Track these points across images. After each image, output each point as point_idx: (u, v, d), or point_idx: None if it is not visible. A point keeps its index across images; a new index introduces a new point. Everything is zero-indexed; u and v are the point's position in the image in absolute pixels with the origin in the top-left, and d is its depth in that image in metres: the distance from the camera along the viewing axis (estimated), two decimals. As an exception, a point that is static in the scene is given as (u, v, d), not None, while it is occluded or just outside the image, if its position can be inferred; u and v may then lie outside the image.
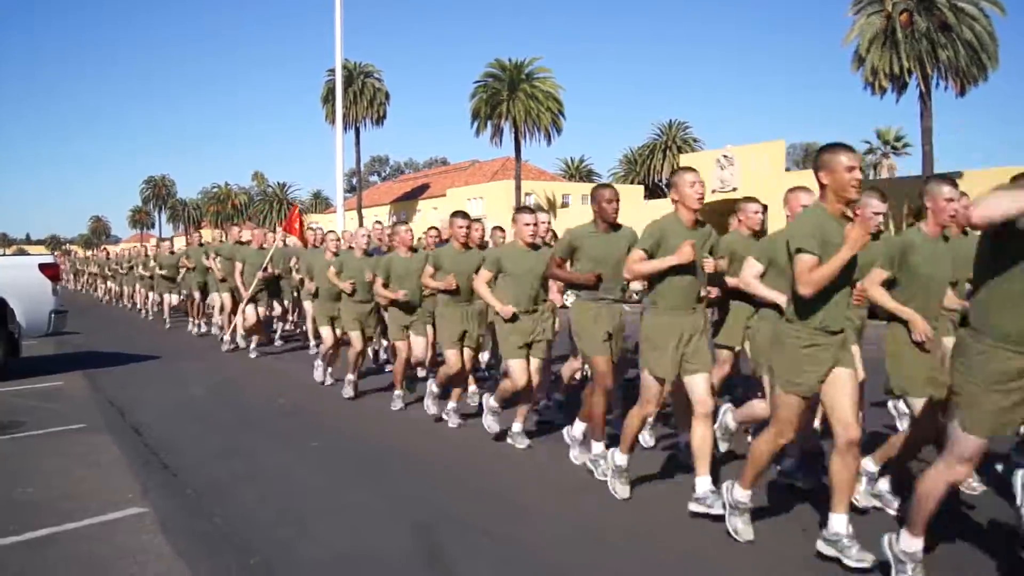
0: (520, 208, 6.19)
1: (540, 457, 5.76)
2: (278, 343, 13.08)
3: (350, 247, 8.65)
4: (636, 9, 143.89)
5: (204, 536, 4.28)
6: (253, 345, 11.75)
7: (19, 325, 9.65)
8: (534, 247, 5.97)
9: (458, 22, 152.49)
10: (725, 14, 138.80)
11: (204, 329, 14.88)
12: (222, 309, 12.97)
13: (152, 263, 17.40)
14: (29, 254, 15.17)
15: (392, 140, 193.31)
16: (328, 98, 43.98)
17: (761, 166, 31.32)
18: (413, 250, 7.55)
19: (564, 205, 43.19)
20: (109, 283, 25.22)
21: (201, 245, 14.75)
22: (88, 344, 13.25)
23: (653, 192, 50.99)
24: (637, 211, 29.43)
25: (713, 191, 33.36)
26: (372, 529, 4.38)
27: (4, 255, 18.17)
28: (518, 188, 39.17)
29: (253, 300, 11.47)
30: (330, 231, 10.02)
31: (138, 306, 20.22)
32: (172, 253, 16.80)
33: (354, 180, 55.30)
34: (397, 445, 6.34)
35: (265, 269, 11.40)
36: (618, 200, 5.24)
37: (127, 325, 17.74)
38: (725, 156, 33.52)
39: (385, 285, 7.39)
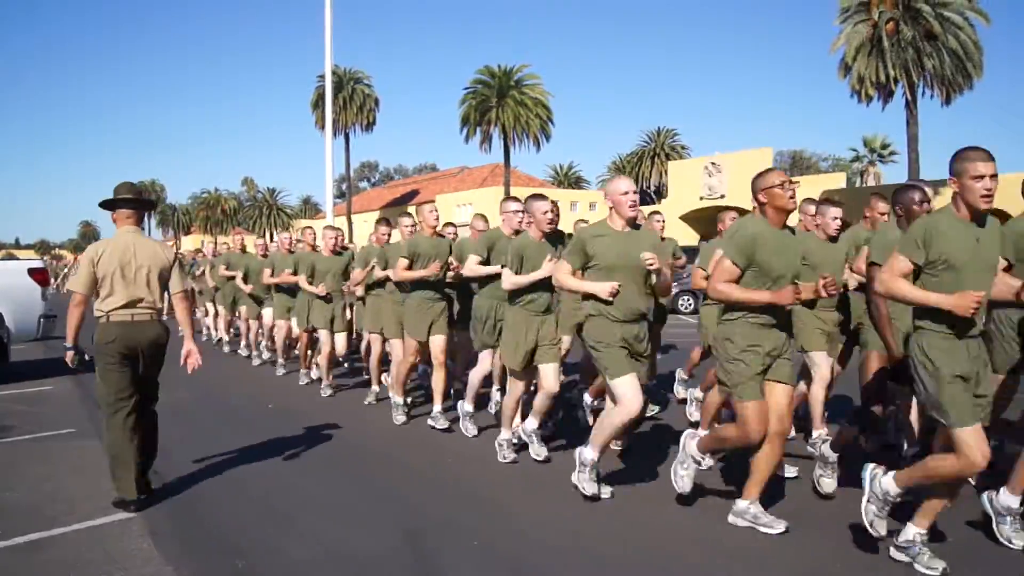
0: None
1: (526, 462, 5.80)
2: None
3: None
4: (625, 16, 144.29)
5: (192, 540, 4.31)
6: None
7: (8, 330, 9.66)
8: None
9: (448, 29, 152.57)
10: (713, 22, 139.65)
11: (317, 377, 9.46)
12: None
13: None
14: (18, 259, 15.08)
15: (382, 146, 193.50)
16: (318, 104, 44.00)
17: (748, 173, 31.21)
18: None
19: (553, 211, 43.26)
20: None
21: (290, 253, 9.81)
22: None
23: (641, 199, 51.08)
24: (626, 217, 29.48)
25: (701, 198, 33.60)
26: (359, 532, 4.42)
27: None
28: (507, 194, 39.22)
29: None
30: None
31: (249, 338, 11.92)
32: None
33: (344, 186, 55.24)
34: (384, 448, 6.37)
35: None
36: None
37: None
38: (713, 163, 33.72)
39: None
